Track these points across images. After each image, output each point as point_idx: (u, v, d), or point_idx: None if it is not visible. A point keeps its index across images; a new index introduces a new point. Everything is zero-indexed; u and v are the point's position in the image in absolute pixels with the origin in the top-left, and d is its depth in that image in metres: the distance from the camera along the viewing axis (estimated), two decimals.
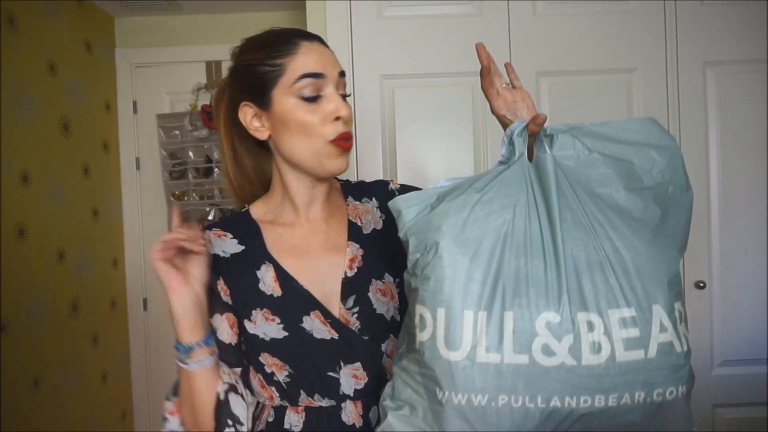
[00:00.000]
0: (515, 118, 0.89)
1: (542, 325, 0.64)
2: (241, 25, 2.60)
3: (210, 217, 2.59)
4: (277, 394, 0.88)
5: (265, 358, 0.87)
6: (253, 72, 0.85)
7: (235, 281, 0.88)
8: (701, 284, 1.70)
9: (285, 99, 0.84)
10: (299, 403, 0.87)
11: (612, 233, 0.68)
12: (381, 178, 1.71)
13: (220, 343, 0.88)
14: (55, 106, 2.12)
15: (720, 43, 1.70)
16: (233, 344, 0.89)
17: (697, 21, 1.70)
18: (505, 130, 0.87)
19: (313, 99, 0.84)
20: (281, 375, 0.87)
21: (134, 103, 2.61)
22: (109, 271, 2.48)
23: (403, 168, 1.74)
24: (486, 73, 0.92)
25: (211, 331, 0.86)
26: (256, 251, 0.89)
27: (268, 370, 0.87)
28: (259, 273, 0.88)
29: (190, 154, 2.58)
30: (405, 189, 1.00)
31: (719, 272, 1.72)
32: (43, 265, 2.01)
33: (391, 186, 1.01)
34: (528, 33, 1.71)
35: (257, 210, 0.94)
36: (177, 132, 2.58)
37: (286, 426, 0.87)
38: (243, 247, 0.90)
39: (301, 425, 0.87)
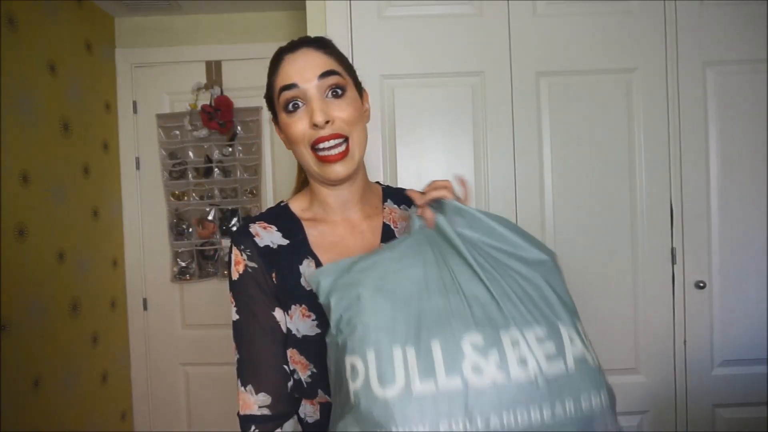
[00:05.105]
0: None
1: (468, 345, 0.68)
2: (241, 25, 2.60)
3: (210, 218, 2.59)
4: (295, 389, 0.90)
5: (292, 354, 0.89)
6: (266, 92, 0.94)
7: (282, 273, 0.90)
8: (701, 284, 1.70)
9: (280, 114, 0.90)
10: (315, 398, 0.90)
11: (511, 271, 0.77)
12: (381, 178, 1.72)
13: (287, 335, 0.89)
14: (55, 106, 2.12)
15: (720, 43, 1.70)
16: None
17: (697, 21, 1.70)
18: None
19: (294, 110, 0.87)
20: (304, 374, 0.88)
21: (134, 103, 2.61)
22: (109, 271, 2.48)
23: (403, 168, 1.74)
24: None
25: None
26: (300, 246, 0.92)
27: (292, 367, 0.89)
28: (301, 268, 0.90)
29: (190, 154, 2.58)
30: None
31: (719, 272, 1.71)
32: (43, 265, 2.01)
33: None
34: (528, 33, 1.71)
35: (296, 206, 0.97)
36: (177, 132, 2.59)
37: (301, 415, 0.91)
38: (288, 241, 0.92)
39: (316, 416, 0.90)
